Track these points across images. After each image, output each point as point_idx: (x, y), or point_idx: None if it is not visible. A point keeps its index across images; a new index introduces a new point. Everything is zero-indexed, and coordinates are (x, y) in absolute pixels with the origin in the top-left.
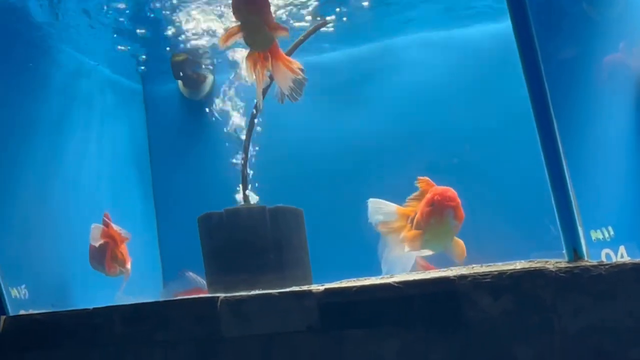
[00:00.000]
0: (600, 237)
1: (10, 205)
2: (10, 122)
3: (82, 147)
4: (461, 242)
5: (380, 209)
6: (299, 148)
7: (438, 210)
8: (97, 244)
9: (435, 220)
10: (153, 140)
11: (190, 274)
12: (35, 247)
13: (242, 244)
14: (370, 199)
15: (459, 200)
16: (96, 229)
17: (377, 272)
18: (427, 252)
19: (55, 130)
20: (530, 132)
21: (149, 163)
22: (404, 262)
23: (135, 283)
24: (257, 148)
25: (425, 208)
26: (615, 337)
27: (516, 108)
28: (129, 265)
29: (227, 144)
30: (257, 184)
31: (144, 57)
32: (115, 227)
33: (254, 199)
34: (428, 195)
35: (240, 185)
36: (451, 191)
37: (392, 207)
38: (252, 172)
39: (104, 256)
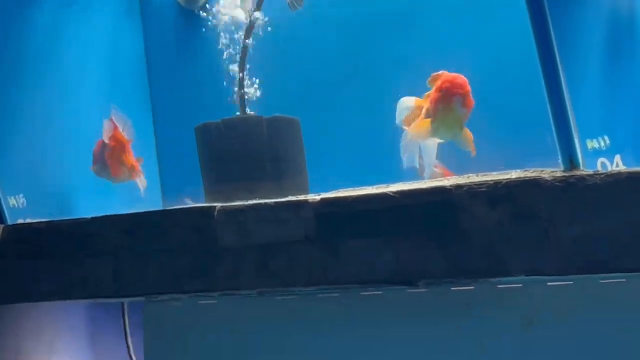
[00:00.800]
0: (596, 146)
1: (7, 113)
2: (7, 30)
3: (79, 56)
4: (469, 132)
5: (404, 104)
6: (298, 52)
7: (446, 97)
8: (106, 140)
9: (443, 107)
10: (151, 50)
11: (188, 200)
12: (32, 156)
13: (238, 153)
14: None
15: (468, 87)
16: (107, 125)
17: (377, 181)
18: (435, 141)
19: (52, 40)
20: (526, 40)
21: (146, 73)
22: (425, 152)
23: (133, 195)
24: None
25: (434, 94)
26: (610, 246)
27: (512, 14)
28: (139, 170)
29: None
30: (254, 92)
31: None
32: (125, 122)
33: (250, 108)
34: (438, 82)
35: (237, 95)
36: (461, 78)
37: (411, 100)
38: (250, 79)
39: (111, 159)
